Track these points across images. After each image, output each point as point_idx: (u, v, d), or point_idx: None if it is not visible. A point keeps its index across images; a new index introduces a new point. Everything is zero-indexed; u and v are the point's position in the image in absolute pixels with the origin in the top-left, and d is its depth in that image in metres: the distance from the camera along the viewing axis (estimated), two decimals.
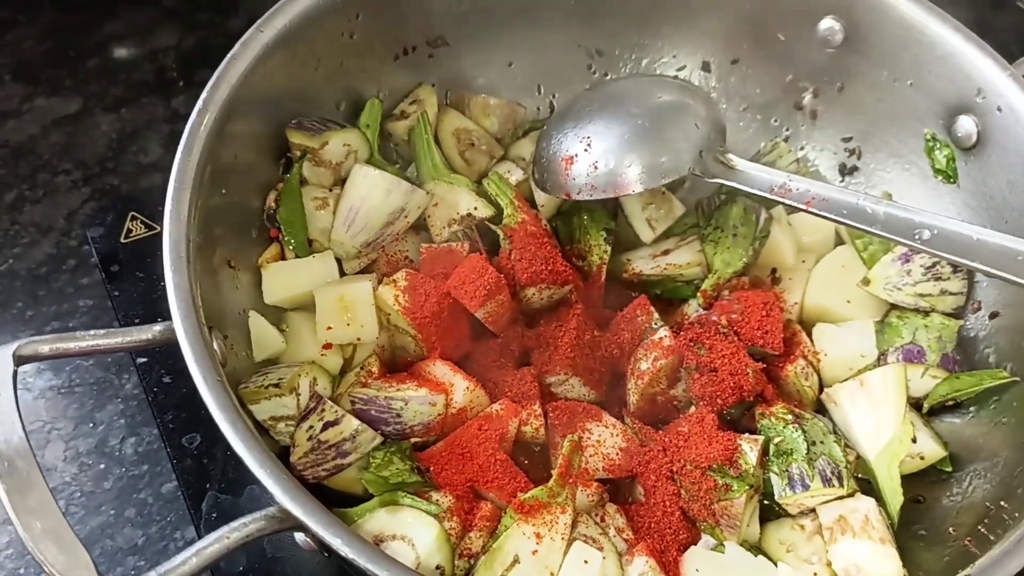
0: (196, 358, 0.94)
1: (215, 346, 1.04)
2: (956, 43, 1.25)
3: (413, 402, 1.15)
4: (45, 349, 0.95)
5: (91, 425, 1.40)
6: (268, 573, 1.23)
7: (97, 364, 1.45)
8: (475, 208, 1.33)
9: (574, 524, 1.11)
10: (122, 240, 1.48)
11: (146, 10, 1.85)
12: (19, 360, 0.93)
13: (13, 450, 0.89)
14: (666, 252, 1.37)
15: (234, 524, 0.91)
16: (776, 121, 1.49)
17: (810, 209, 1.19)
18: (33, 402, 1.41)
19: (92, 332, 0.97)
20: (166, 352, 1.33)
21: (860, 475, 1.19)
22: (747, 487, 1.12)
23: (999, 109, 1.22)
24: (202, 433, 1.33)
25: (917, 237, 1.11)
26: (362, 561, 0.88)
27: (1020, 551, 0.92)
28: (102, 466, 1.37)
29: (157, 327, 0.99)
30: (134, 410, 1.41)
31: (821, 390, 1.27)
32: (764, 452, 1.16)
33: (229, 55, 1.16)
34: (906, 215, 1.13)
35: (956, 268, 1.29)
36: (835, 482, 1.12)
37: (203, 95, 1.12)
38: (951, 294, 1.29)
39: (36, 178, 1.64)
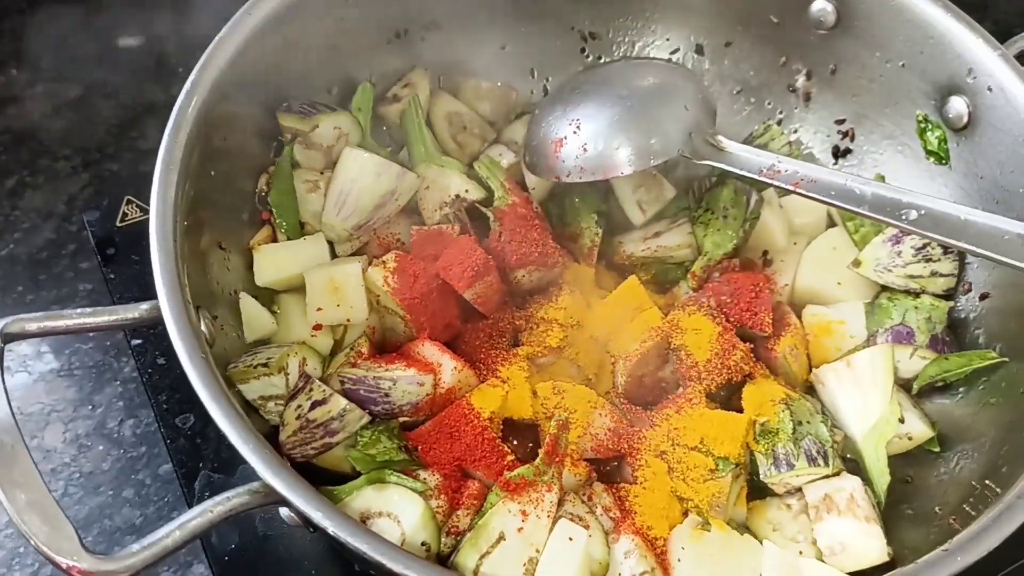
0: (180, 335, 0.95)
1: (202, 326, 1.05)
2: (947, 23, 1.24)
3: (401, 382, 1.16)
4: (33, 327, 0.96)
5: (90, 407, 1.42)
6: (260, 551, 1.24)
7: (96, 347, 1.47)
8: (466, 191, 1.33)
9: (560, 503, 1.11)
10: (118, 224, 1.49)
11: None
12: (6, 337, 0.94)
13: None
14: (657, 234, 1.38)
15: (218, 498, 0.92)
16: (769, 104, 1.48)
17: (799, 190, 1.19)
18: (33, 385, 1.43)
19: (79, 310, 0.98)
20: (161, 334, 1.32)
21: (848, 455, 1.19)
22: (733, 466, 1.12)
23: (989, 89, 1.22)
24: (195, 413, 1.34)
25: (904, 217, 1.11)
26: (343, 534, 0.89)
27: (997, 527, 0.92)
28: (100, 448, 1.38)
29: (144, 305, 1.00)
30: (132, 393, 1.43)
31: (811, 371, 1.27)
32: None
33: (217, 37, 1.17)
34: (893, 195, 1.12)
35: (947, 250, 1.28)
36: (820, 461, 1.13)
37: (191, 77, 1.12)
38: (941, 275, 1.28)
39: (37, 164, 1.65)
